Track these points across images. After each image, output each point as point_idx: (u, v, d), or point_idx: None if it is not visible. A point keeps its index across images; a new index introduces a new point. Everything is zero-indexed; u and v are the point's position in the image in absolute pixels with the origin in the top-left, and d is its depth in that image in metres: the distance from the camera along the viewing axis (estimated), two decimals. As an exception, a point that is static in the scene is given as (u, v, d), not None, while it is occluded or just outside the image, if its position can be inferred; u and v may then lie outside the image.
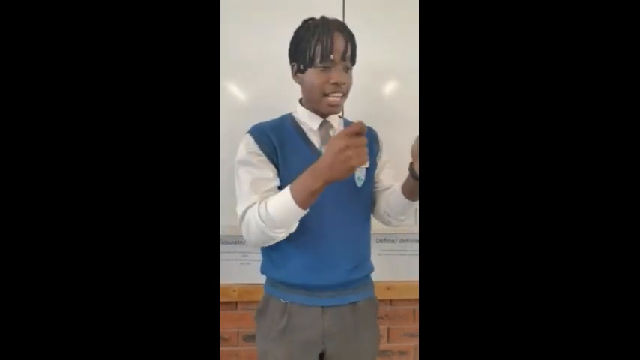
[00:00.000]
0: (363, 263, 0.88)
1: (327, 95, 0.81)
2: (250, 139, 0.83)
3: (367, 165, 0.79)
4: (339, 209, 0.83)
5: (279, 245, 0.83)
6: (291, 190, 0.71)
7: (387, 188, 0.91)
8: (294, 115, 0.89)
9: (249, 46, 1.17)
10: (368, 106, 1.18)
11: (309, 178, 0.69)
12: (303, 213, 0.73)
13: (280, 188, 0.82)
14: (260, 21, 1.16)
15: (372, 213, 0.94)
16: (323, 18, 0.82)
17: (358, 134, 0.65)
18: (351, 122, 0.92)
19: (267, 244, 0.80)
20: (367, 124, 0.95)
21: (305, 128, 0.86)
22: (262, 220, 0.74)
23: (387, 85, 1.23)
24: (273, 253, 0.86)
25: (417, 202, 0.84)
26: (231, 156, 0.84)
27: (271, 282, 0.88)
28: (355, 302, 0.86)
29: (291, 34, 0.85)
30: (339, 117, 0.93)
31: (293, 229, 0.77)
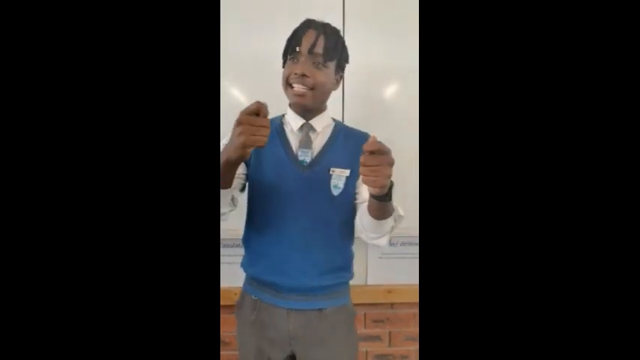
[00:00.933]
0: (335, 271, 0.87)
1: (291, 86, 0.81)
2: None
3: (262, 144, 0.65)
4: (311, 216, 0.83)
5: (254, 244, 0.88)
6: None
7: (365, 201, 0.84)
8: (285, 116, 0.90)
9: (249, 46, 1.17)
10: (367, 107, 1.18)
11: (220, 157, 0.69)
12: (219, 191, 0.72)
13: (249, 186, 0.86)
14: (260, 21, 1.17)
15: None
16: (308, 20, 0.84)
17: (257, 114, 0.62)
18: (346, 126, 0.93)
19: None
20: (365, 126, 0.95)
21: (287, 129, 0.87)
22: None
23: (386, 85, 1.24)
24: (249, 250, 0.90)
25: (389, 225, 0.78)
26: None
27: (247, 279, 0.92)
28: (321, 309, 0.86)
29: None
30: (333, 119, 0.92)
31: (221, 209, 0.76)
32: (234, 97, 1.19)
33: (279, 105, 0.92)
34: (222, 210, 0.77)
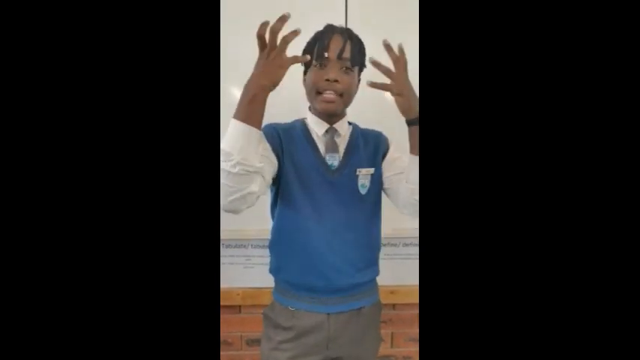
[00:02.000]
0: (367, 267, 0.89)
1: (320, 93, 0.81)
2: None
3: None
4: (343, 216, 0.84)
5: (284, 248, 0.87)
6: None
7: (396, 179, 0.88)
8: (306, 120, 0.90)
9: (249, 49, 1.18)
10: (368, 108, 1.18)
11: (243, 91, 0.69)
12: (247, 129, 0.67)
13: (279, 191, 0.85)
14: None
15: (397, 205, 0.90)
16: (330, 25, 0.85)
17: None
18: (360, 127, 0.94)
19: (231, 196, 0.69)
20: (370, 126, 0.96)
21: (313, 134, 0.88)
22: (221, 160, 0.67)
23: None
24: (279, 255, 0.89)
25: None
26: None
27: (279, 288, 0.90)
28: (360, 308, 0.87)
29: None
30: (349, 123, 0.93)
31: (250, 159, 0.67)
32: (234, 98, 1.20)
33: (281, 110, 0.91)
34: (249, 159, 0.68)
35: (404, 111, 0.77)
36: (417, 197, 0.82)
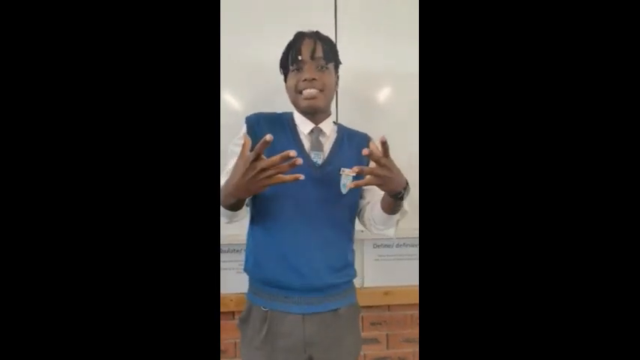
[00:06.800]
0: (344, 268, 0.90)
1: (300, 92, 0.86)
2: (244, 128, 0.88)
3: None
4: (324, 215, 0.86)
5: (263, 245, 0.87)
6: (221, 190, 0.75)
7: (371, 202, 0.93)
8: (294, 115, 0.92)
9: (245, 53, 1.17)
10: (360, 110, 1.19)
11: (224, 193, 0.72)
12: (229, 212, 0.78)
13: None
14: (256, 28, 1.17)
15: (358, 217, 0.96)
16: (299, 32, 0.89)
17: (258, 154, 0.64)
18: (346, 127, 0.95)
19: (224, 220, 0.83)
20: (360, 129, 0.97)
21: (300, 132, 0.90)
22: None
23: (377, 88, 1.24)
24: (257, 252, 0.88)
25: (396, 218, 0.86)
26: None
27: (253, 289, 0.90)
28: (336, 309, 0.87)
29: (286, 41, 0.89)
30: (334, 123, 0.95)
31: (236, 218, 0.82)
32: (231, 104, 1.19)
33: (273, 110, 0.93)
34: (235, 218, 0.82)
35: (391, 191, 0.75)
36: (375, 232, 0.92)
